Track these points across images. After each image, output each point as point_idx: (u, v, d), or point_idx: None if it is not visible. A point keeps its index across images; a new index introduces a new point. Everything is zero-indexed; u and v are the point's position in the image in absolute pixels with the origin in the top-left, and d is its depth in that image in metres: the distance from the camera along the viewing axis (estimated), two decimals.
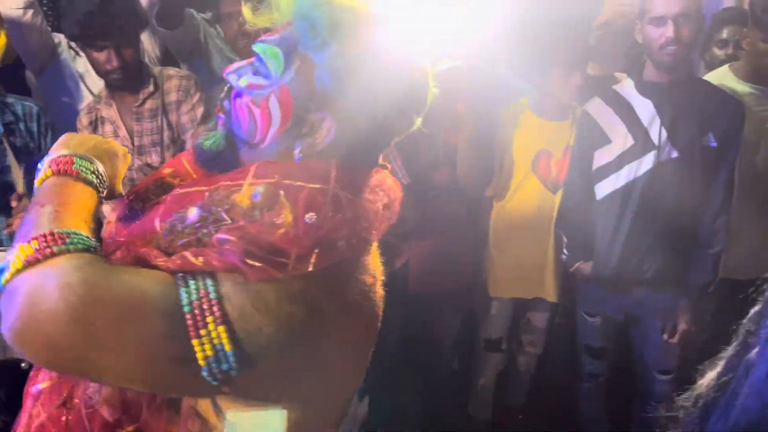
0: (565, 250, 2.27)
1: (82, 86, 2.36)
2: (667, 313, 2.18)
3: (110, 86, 2.14)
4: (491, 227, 2.37)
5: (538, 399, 2.79)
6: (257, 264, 0.68)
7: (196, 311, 0.67)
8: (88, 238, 0.74)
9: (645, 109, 2.03)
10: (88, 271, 0.68)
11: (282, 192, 0.71)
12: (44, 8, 2.26)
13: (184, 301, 0.68)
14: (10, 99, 2.11)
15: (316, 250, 0.70)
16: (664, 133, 2.01)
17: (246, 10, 0.78)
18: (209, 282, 0.69)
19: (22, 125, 2.08)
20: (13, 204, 1.88)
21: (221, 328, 0.67)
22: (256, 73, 0.78)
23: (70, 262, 0.68)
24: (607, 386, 2.51)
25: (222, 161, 0.82)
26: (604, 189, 2.12)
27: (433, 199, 2.15)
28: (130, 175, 2.21)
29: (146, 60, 2.33)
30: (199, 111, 2.16)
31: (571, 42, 2.13)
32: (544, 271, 2.37)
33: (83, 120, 2.22)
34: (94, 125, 2.21)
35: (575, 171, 2.19)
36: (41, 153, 2.15)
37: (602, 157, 2.11)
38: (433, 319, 2.34)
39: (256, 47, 0.79)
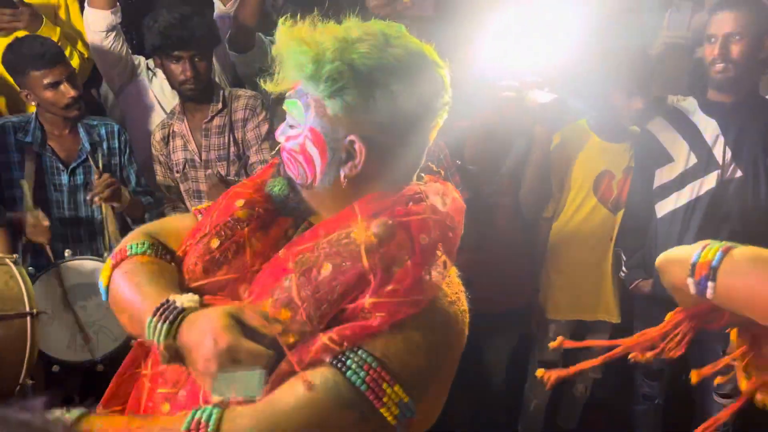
0: (624, 268, 2.27)
1: (156, 105, 2.50)
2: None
3: (183, 99, 2.26)
4: (549, 249, 2.38)
5: (590, 421, 2.75)
6: (405, 309, 0.76)
7: (372, 384, 0.74)
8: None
9: (709, 128, 2.04)
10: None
11: (392, 222, 0.79)
12: (125, 30, 2.40)
13: (358, 382, 0.74)
14: (94, 121, 2.27)
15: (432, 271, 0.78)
16: (729, 153, 2.00)
17: (268, 85, 0.86)
18: (363, 354, 0.75)
19: (105, 145, 2.24)
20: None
21: (396, 387, 0.75)
22: (291, 126, 0.87)
23: None
24: (664, 409, 2.47)
25: (291, 202, 0.90)
26: (665, 207, 2.12)
27: (491, 218, 2.19)
28: (197, 187, 2.32)
29: (217, 81, 2.45)
30: (264, 128, 2.26)
31: (635, 66, 2.16)
32: (605, 292, 2.37)
33: (156, 135, 2.34)
34: (166, 140, 2.33)
35: (636, 189, 2.21)
36: (122, 167, 2.30)
37: (664, 175, 2.11)
38: (489, 339, 2.36)
39: (284, 106, 0.87)
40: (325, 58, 0.79)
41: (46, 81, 2.05)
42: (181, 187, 2.36)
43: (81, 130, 2.21)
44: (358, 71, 0.78)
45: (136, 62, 2.48)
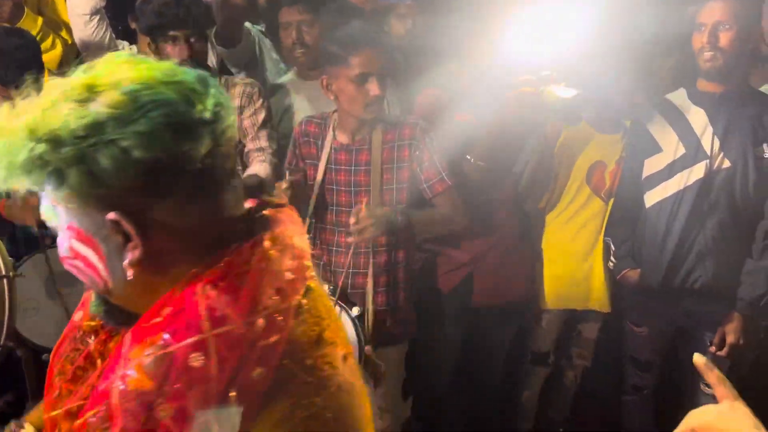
0: (612, 258, 2.27)
1: None
2: (716, 326, 2.15)
3: None
4: (543, 239, 2.38)
5: (581, 412, 2.76)
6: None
7: None
8: None
9: (698, 118, 2.03)
10: None
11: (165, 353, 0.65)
12: (109, 16, 2.37)
13: None
14: None
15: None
16: (717, 143, 2.00)
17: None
18: None
19: None
20: None
21: None
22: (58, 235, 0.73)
23: None
24: (653, 400, 2.47)
25: (113, 314, 0.75)
26: (653, 197, 2.11)
27: (490, 210, 2.19)
28: None
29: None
30: (261, 116, 2.23)
31: (636, 61, 2.15)
32: (596, 282, 2.37)
33: None
34: None
35: (625, 179, 2.20)
36: None
37: (653, 165, 2.11)
38: (488, 333, 2.36)
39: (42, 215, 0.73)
40: (16, 147, 0.63)
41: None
42: None
43: None
44: (64, 143, 0.62)
45: (120, 47, 2.44)
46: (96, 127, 0.62)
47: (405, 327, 2.10)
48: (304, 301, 0.71)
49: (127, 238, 0.66)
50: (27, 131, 0.63)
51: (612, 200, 2.29)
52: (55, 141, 0.62)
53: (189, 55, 2.08)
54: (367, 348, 1.84)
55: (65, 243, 0.70)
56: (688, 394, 2.38)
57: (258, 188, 2.07)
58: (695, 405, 2.39)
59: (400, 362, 2.17)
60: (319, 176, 2.02)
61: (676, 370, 2.45)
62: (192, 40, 2.08)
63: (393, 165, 1.96)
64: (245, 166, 2.22)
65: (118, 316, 0.74)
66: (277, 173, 2.17)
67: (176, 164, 0.64)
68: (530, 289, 2.37)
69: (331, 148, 2.01)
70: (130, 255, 0.66)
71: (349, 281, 1.99)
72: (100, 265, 0.69)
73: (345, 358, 0.72)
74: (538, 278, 2.40)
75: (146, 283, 0.69)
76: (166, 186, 0.65)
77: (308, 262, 0.74)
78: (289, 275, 0.69)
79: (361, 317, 1.89)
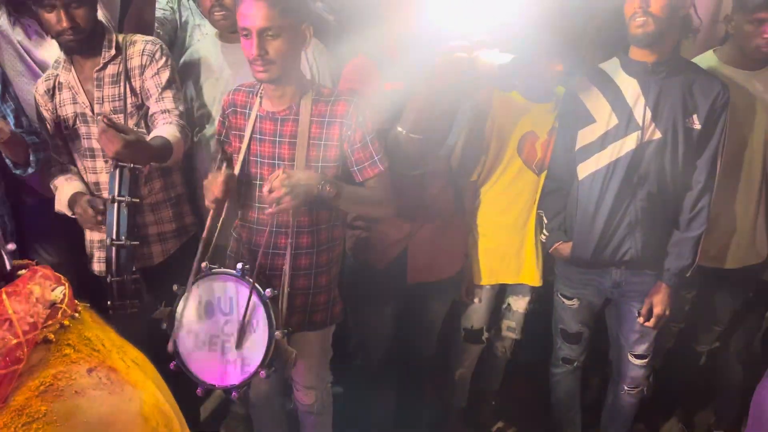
0: (544, 230, 2.23)
1: (25, 56, 2.21)
2: (644, 297, 2.17)
3: (65, 50, 2.01)
4: (477, 212, 2.31)
5: (511, 384, 2.76)
6: None
7: None
8: None
9: (630, 88, 2.00)
10: None
11: None
12: None
13: None
14: None
15: None
16: (649, 114, 1.97)
17: None
18: None
19: None
20: None
21: None
22: None
23: None
24: (582, 370, 2.49)
25: None
26: (586, 169, 2.08)
27: (423, 185, 2.09)
28: (89, 145, 2.08)
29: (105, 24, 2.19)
30: (165, 76, 2.04)
31: (569, 28, 2.09)
32: (528, 255, 2.33)
33: (40, 88, 2.08)
34: (52, 92, 2.07)
35: (558, 150, 2.16)
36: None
37: (586, 136, 2.07)
38: (423, 310, 2.29)
39: None
40: None
41: None
42: (71, 146, 2.12)
43: None
44: None
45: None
46: None
47: (327, 312, 1.98)
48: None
49: None
50: None
51: (545, 172, 2.24)
52: None
53: (69, 24, 1.87)
54: (277, 333, 1.73)
55: None
56: (615, 364, 2.42)
57: (164, 150, 1.90)
58: (623, 374, 2.44)
59: (324, 343, 2.07)
60: (244, 146, 1.86)
61: (604, 342, 2.48)
62: (72, 6, 1.87)
63: (321, 141, 1.80)
64: (149, 129, 2.03)
65: None
66: (185, 136, 2.01)
67: None
68: (465, 264, 2.31)
69: (256, 116, 1.86)
70: None
71: (268, 261, 1.86)
72: None
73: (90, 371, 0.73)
74: (471, 253, 2.35)
75: None
76: None
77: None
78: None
79: (275, 300, 1.77)
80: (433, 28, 1.81)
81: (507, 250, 2.33)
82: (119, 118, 2.02)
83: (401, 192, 1.94)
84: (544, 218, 2.23)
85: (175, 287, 1.80)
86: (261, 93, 1.85)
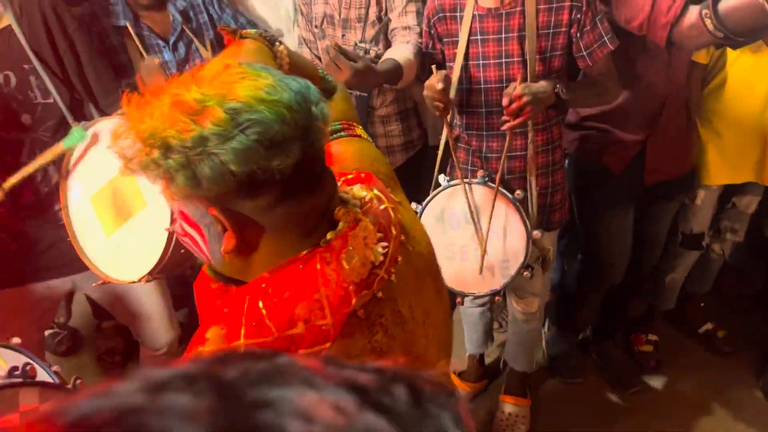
0: None
1: None
2: None
3: None
4: (704, 106, 2.09)
5: (722, 284, 2.63)
6: None
7: None
8: None
9: None
10: None
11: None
12: None
13: None
14: None
15: None
16: None
17: None
18: None
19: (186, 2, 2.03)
20: None
21: None
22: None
23: None
24: None
25: (219, 275, 0.87)
26: None
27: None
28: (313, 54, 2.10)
29: None
30: None
31: None
32: (766, 152, 2.09)
33: None
34: None
35: None
36: (219, 19, 2.08)
37: None
38: (655, 213, 2.20)
39: None
40: (139, 149, 0.74)
41: None
42: (319, 44, 2.10)
43: None
44: (173, 150, 0.72)
45: None
46: (200, 141, 0.71)
47: (563, 211, 1.98)
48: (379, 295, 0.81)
49: (225, 228, 0.77)
50: (147, 135, 0.72)
51: None
52: (166, 148, 0.72)
53: None
54: (536, 233, 1.77)
55: (178, 222, 0.83)
56: None
57: (394, 76, 1.83)
58: None
59: (555, 244, 2.07)
60: (460, 51, 1.78)
61: None
62: None
63: (549, 30, 1.71)
64: (389, 44, 1.98)
65: (222, 278, 0.87)
66: (420, 57, 1.89)
67: (267, 174, 0.73)
68: (694, 161, 2.16)
69: (474, 16, 1.75)
70: (225, 243, 0.78)
71: (506, 165, 1.84)
72: (203, 246, 0.82)
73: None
74: (696, 151, 2.16)
75: (238, 265, 0.82)
76: (258, 191, 0.75)
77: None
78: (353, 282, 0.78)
79: (524, 201, 1.79)
80: None
81: (744, 147, 2.10)
82: (359, 27, 1.99)
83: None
84: None
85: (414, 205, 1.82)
86: None
